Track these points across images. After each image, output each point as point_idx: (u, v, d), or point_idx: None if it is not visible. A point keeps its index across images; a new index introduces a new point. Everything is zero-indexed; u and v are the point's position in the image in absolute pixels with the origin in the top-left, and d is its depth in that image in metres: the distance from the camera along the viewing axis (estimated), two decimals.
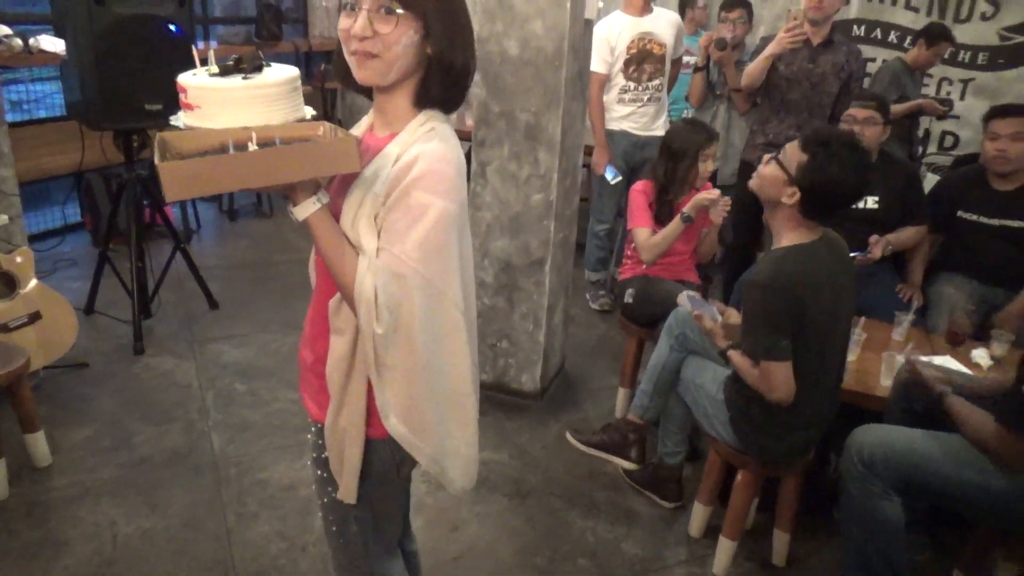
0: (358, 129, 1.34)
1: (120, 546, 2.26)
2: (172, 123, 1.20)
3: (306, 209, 1.15)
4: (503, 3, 2.73)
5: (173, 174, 1.03)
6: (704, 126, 2.92)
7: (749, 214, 3.39)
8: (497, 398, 3.16)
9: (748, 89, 3.48)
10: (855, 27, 5.61)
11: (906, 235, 3.03)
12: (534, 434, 2.95)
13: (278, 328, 3.66)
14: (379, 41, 1.14)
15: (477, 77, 2.85)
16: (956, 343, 2.63)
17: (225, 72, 1.18)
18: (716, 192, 2.77)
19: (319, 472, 1.39)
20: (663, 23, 3.82)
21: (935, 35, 4.19)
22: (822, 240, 2.02)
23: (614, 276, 3.86)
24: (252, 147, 1.14)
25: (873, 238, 2.93)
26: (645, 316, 2.90)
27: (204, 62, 1.24)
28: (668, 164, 2.86)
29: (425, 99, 1.22)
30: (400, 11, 1.13)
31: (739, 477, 2.19)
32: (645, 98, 3.87)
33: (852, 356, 2.47)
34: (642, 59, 3.79)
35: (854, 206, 2.92)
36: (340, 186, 1.26)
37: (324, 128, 1.24)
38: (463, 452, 1.28)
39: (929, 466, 1.85)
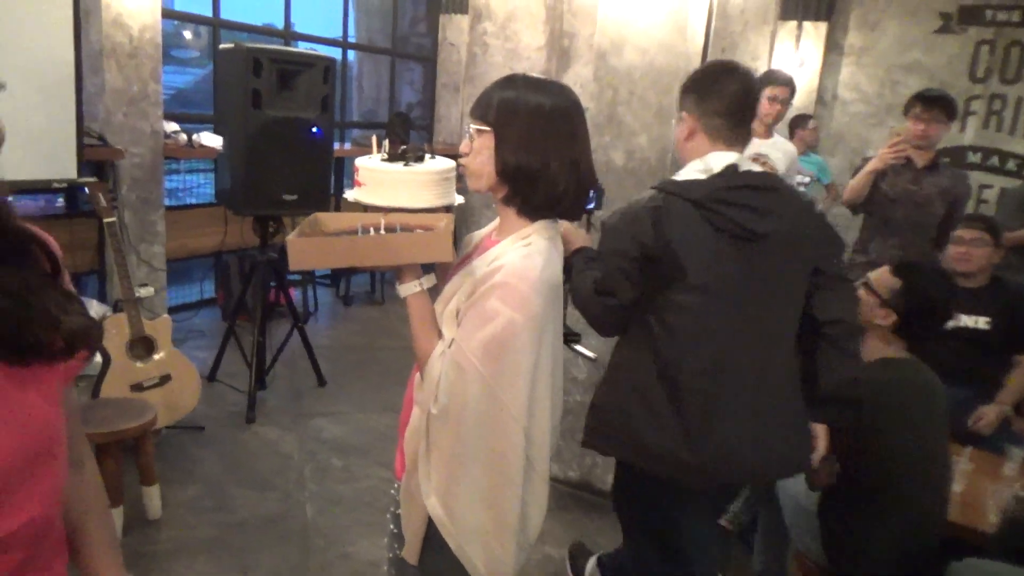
0: (485, 229, 1.49)
1: None
2: (346, 195, 1.43)
3: (407, 289, 1.30)
4: (612, 118, 2.88)
5: (296, 248, 1.23)
6: None
7: None
8: (582, 496, 3.12)
9: (850, 204, 3.44)
10: (970, 153, 5.50)
11: (1018, 383, 2.86)
12: (615, 536, 2.86)
13: (376, 409, 3.79)
14: (473, 155, 1.33)
15: None
16: None
17: (392, 159, 1.39)
18: None
19: (392, 527, 1.46)
20: (779, 150, 3.85)
21: None
22: (911, 360, 2.07)
23: None
24: (372, 232, 1.29)
25: (982, 409, 2.79)
26: None
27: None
28: None
29: (525, 208, 1.33)
30: (481, 127, 1.30)
31: None
32: None
33: (958, 487, 2.33)
34: None
35: (964, 325, 2.85)
36: (451, 275, 1.39)
37: (446, 220, 1.38)
38: (495, 551, 1.30)
39: None
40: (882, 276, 2.10)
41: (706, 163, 1.75)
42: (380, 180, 1.34)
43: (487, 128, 1.30)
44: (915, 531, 1.98)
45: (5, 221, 0.77)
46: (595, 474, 3.11)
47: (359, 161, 1.38)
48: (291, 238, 1.23)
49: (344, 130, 6.28)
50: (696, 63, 2.88)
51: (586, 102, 2.93)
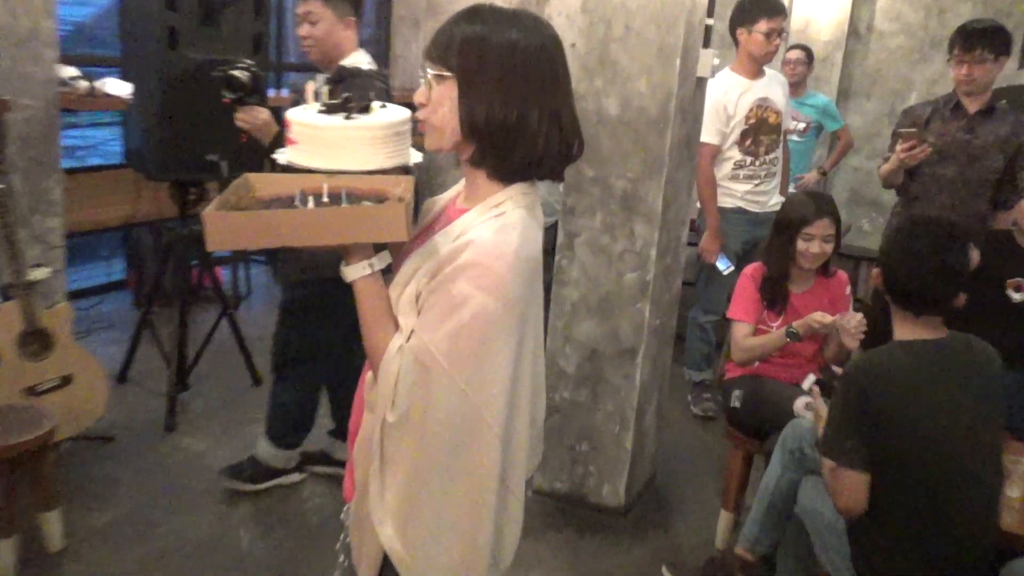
0: (448, 193, 1.46)
1: None
2: (275, 157, 1.38)
3: (355, 272, 1.26)
4: (604, 59, 2.86)
5: (216, 224, 1.18)
6: (818, 199, 2.91)
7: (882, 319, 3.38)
8: (572, 512, 3.14)
9: (889, 187, 3.51)
10: None
11: None
12: (614, 559, 2.91)
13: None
14: (431, 106, 1.29)
15: None
16: None
17: (331, 110, 1.32)
18: (829, 319, 2.71)
19: (341, 559, 1.45)
20: (776, 87, 3.89)
21: None
22: (940, 342, 2.08)
23: (722, 376, 3.84)
24: (311, 202, 1.28)
25: None
26: (755, 424, 2.87)
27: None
28: (772, 238, 2.90)
29: (499, 171, 1.30)
30: (442, 72, 1.26)
31: None
32: (763, 174, 3.90)
33: (1015, 492, 2.38)
34: (759, 130, 3.83)
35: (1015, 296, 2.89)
36: (408, 252, 1.36)
37: (403, 185, 1.35)
38: None
39: None
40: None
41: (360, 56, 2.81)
42: (316, 138, 1.28)
43: (448, 74, 1.26)
44: (955, 545, 2.00)
45: None
46: (588, 484, 3.14)
47: (290, 113, 1.31)
48: (208, 211, 1.19)
49: (280, 74, 6.19)
50: None
51: (572, 38, 2.94)
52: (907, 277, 2.05)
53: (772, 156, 3.90)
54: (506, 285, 1.21)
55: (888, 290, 2.11)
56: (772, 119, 3.85)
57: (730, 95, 3.79)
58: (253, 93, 2.66)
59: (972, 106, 3.33)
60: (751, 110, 3.80)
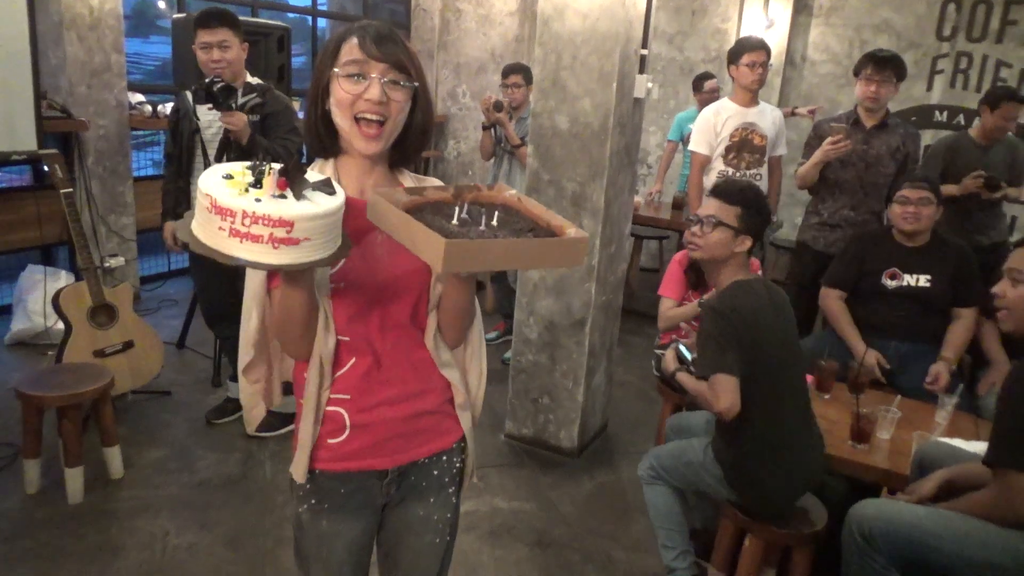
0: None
1: (168, 557, 2.43)
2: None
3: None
4: (556, 83, 2.90)
5: (452, 250, 1.04)
6: None
7: (803, 296, 3.41)
8: (535, 452, 3.21)
9: (802, 187, 3.51)
10: (936, 112, 5.51)
11: (958, 336, 2.90)
12: (565, 489, 2.97)
13: None
14: (389, 108, 1.23)
15: (530, 148, 3.02)
16: None
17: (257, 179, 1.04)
18: None
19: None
20: (767, 118, 3.79)
21: (999, 96, 3.80)
22: (763, 281, 2.22)
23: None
24: (465, 212, 1.19)
25: (934, 369, 2.79)
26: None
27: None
28: None
29: (401, 161, 1.34)
30: (405, 84, 1.24)
31: (747, 542, 2.15)
32: None
33: (886, 435, 2.41)
34: (742, 148, 3.76)
35: (906, 283, 2.90)
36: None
37: (527, 200, 1.27)
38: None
39: (930, 542, 1.77)
40: (720, 211, 2.15)
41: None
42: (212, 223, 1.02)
43: (412, 85, 1.26)
44: (785, 440, 2.09)
45: None
46: (548, 430, 3.19)
47: (205, 182, 1.03)
48: (452, 241, 1.04)
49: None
50: (638, 27, 2.90)
51: (532, 66, 2.98)
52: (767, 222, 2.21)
53: (753, 172, 3.78)
54: None
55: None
56: (756, 141, 3.75)
57: (720, 116, 3.75)
58: (228, 100, 2.71)
59: (869, 121, 3.34)
60: (736, 130, 3.73)
